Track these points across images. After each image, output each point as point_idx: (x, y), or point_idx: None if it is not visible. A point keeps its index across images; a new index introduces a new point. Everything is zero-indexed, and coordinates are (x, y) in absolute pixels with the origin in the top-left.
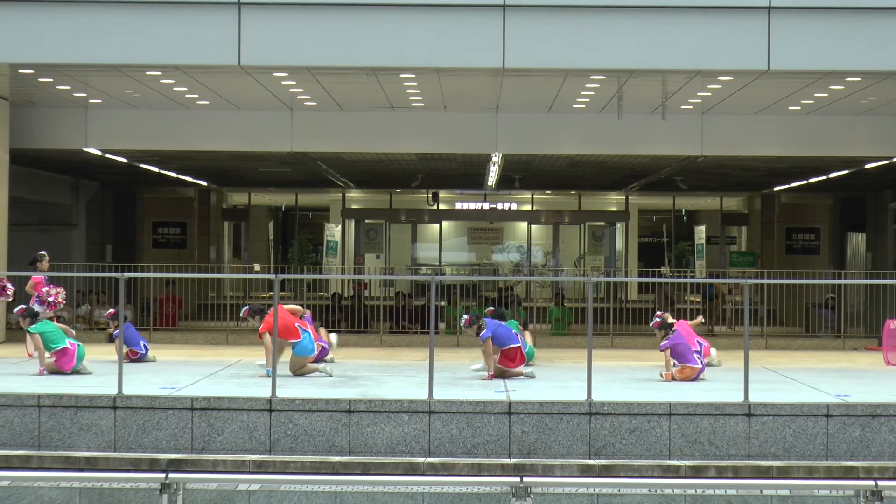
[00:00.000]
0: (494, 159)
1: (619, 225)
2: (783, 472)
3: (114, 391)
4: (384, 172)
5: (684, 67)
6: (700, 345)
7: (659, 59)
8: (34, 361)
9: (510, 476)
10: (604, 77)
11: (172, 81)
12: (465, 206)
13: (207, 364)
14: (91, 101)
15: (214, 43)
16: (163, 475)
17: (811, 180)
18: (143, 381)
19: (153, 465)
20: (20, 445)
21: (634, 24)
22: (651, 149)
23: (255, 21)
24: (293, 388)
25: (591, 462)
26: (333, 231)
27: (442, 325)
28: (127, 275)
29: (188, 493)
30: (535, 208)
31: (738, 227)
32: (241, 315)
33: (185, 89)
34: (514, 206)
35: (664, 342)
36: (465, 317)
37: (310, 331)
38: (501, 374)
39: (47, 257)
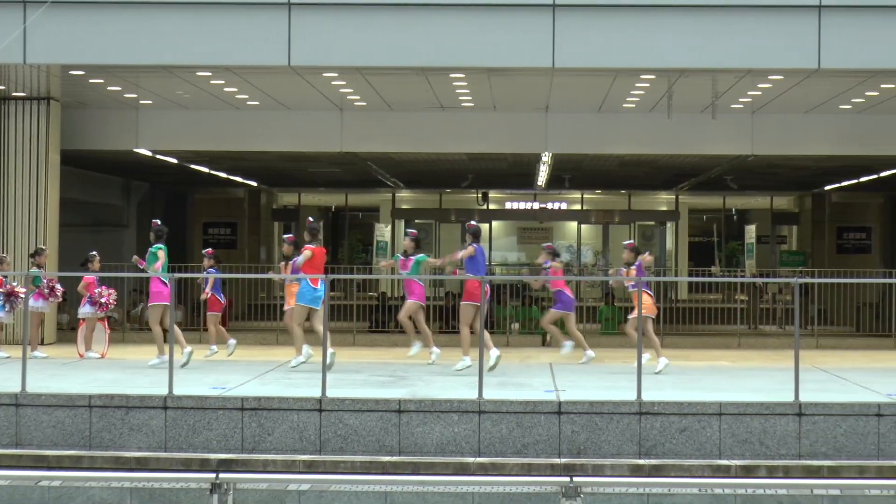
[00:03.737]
0: (544, 159)
1: (669, 224)
2: (834, 472)
3: (164, 391)
4: (434, 172)
5: (734, 66)
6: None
7: (709, 59)
8: (85, 363)
9: (560, 476)
10: (654, 76)
11: (223, 82)
12: (515, 205)
13: (257, 364)
14: (142, 101)
15: (264, 43)
16: (213, 475)
17: (862, 179)
18: (193, 381)
19: (204, 466)
20: (71, 445)
21: (684, 23)
22: (701, 148)
23: (305, 21)
24: (343, 388)
25: (641, 462)
26: (383, 231)
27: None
28: (177, 275)
29: (238, 493)
30: (585, 208)
31: (789, 226)
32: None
33: (236, 90)
34: (564, 206)
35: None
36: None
37: None
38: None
39: (98, 258)
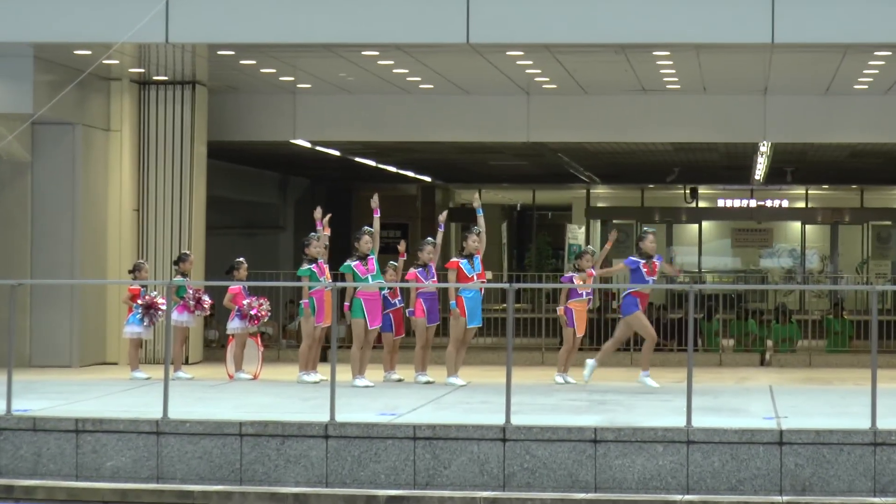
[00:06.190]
0: (762, 149)
1: None
2: None
3: (325, 418)
4: (634, 165)
5: None
6: None
7: None
8: (235, 385)
9: None
10: (889, 53)
11: (392, 63)
12: (729, 203)
13: (434, 387)
14: (299, 86)
15: (439, 19)
16: None
17: None
18: (358, 407)
19: (370, 503)
20: (220, 480)
21: None
22: None
23: None
24: (531, 415)
25: (876, 500)
26: (576, 233)
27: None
28: (340, 284)
29: None
30: (809, 206)
31: None
32: None
33: (407, 71)
34: (785, 204)
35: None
36: None
37: None
38: None
39: (245, 265)
